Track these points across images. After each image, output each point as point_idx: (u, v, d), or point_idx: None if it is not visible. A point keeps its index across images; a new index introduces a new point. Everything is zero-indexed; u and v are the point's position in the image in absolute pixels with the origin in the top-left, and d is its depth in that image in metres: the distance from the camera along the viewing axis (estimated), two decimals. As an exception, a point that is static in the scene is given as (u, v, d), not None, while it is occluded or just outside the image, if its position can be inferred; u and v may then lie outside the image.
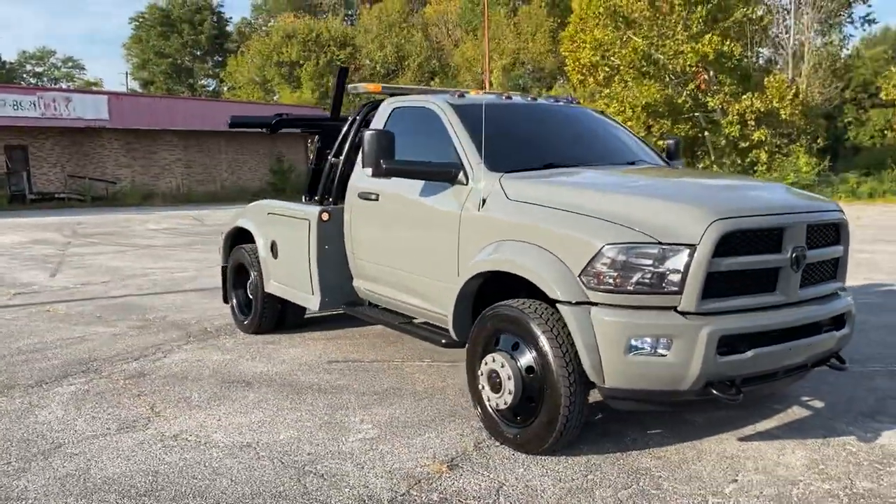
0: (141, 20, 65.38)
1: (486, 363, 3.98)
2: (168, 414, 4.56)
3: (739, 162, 37.16)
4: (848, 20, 44.08)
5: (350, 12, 70.53)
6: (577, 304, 3.58)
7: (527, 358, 3.79)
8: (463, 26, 57.62)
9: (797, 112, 35.28)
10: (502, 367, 3.86)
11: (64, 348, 6.19)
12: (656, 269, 3.48)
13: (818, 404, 4.68)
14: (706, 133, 37.97)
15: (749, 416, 4.45)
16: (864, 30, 71.88)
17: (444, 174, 4.47)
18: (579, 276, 3.60)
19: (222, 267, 6.96)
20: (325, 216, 5.48)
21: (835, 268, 4.14)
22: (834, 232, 4.06)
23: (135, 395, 4.94)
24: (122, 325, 7.07)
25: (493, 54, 52.46)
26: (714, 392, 3.54)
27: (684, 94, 37.26)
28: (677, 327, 3.46)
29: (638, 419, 4.37)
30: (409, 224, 4.86)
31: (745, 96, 35.29)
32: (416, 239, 4.79)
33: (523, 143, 4.78)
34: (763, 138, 35.70)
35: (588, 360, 3.54)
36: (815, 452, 3.91)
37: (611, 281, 3.52)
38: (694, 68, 37.08)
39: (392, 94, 5.58)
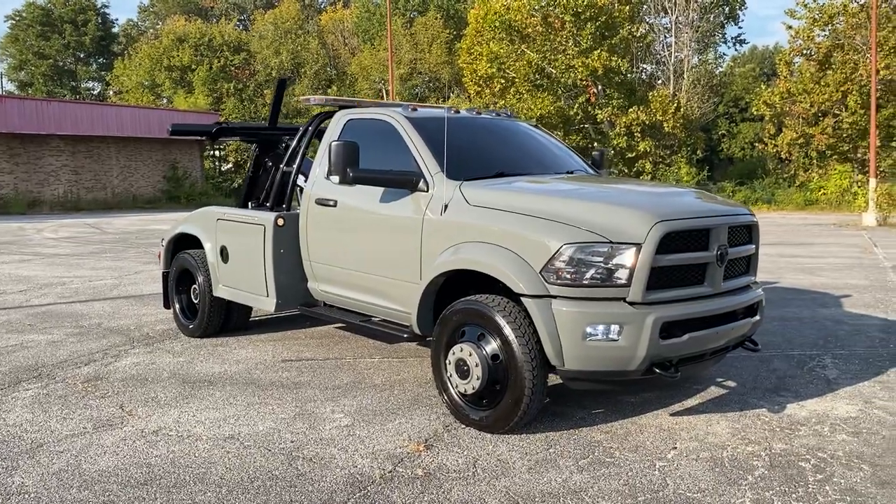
0: (18, 18, 61.80)
1: (453, 353, 4.38)
2: (140, 413, 4.70)
3: (627, 171, 39.20)
4: (721, 40, 47.40)
5: (243, 17, 69.30)
6: (539, 297, 4.05)
7: (492, 346, 4.23)
8: (359, 35, 57.82)
9: (678, 125, 37.61)
10: (470, 355, 4.27)
11: (5, 356, 6.13)
12: (607, 265, 3.99)
13: (731, 384, 5.36)
14: (596, 144, 39.78)
15: (675, 396, 5.06)
16: (736, 49, 77.10)
17: (405, 182, 4.86)
18: (540, 272, 4.07)
19: (163, 273, 7.04)
20: (281, 222, 5.74)
21: (748, 263, 4.81)
22: (748, 232, 4.72)
23: (99, 396, 5.04)
24: (58, 333, 7.02)
25: (389, 64, 52.83)
26: (657, 371, 4.09)
27: (575, 106, 38.95)
28: (627, 315, 3.98)
29: (580, 402, 4.88)
30: (368, 229, 5.21)
31: (631, 110, 37.29)
32: (375, 242, 5.14)
33: (476, 153, 5.24)
34: (648, 149, 37.83)
35: (550, 347, 4.01)
36: (736, 422, 4.54)
37: (568, 276, 4.01)
38: (584, 82, 38.86)
39: (343, 107, 5.90)
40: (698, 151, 39.91)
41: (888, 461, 3.93)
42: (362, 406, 4.79)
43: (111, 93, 61.97)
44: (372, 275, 5.19)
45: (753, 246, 4.77)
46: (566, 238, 4.03)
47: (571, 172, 5.47)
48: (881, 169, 30.87)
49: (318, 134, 5.97)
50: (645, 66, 44.87)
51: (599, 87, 39.47)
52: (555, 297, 4.05)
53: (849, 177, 31.51)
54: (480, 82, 40.77)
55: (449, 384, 4.46)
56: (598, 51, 36.68)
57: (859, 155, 31.85)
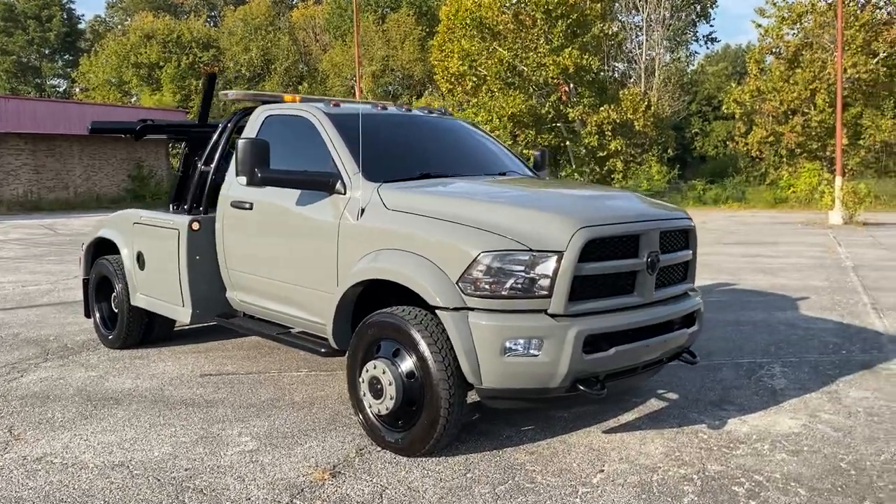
0: (-21, 14, 60.42)
1: (367, 370, 4.05)
2: (29, 437, 4.32)
3: (598, 170, 39.15)
4: (693, 38, 47.52)
5: (213, 14, 68.38)
6: (456, 309, 3.73)
7: (407, 364, 3.90)
8: (331, 31, 57.28)
9: (649, 123, 37.58)
10: (383, 373, 3.94)
11: None
12: (528, 275, 3.68)
13: (672, 396, 5.08)
14: (568, 143, 39.68)
15: (611, 410, 4.77)
16: (708, 48, 77.62)
17: (321, 183, 4.51)
18: (457, 282, 3.75)
19: (84, 280, 6.63)
20: (196, 226, 5.37)
21: (685, 270, 4.52)
22: (684, 237, 4.44)
23: (-11, 418, 4.65)
24: (-31, 345, 6.58)
25: (362, 60, 52.38)
26: (581, 388, 3.78)
27: (547, 105, 38.78)
28: (547, 329, 3.67)
29: (510, 417, 4.57)
30: (285, 234, 4.86)
31: (602, 108, 37.19)
32: (292, 248, 4.79)
33: (399, 153, 4.90)
34: (619, 148, 37.78)
35: (466, 363, 3.69)
36: (672, 441, 4.25)
37: (486, 287, 3.69)
38: (555, 80, 38.71)
39: (265, 102, 5.54)
40: (669, 150, 39.94)
41: (826, 484, 3.66)
42: (274, 427, 4.44)
43: (77, 90, 60.82)
44: (289, 284, 4.85)
45: (690, 252, 4.48)
46: (484, 245, 3.71)
47: (504, 174, 5.16)
48: (849, 167, 31.09)
49: (240, 131, 5.60)
50: (617, 64, 44.88)
51: (571, 86, 39.34)
52: (472, 309, 3.73)
53: (818, 175, 31.60)
54: (452, 80, 40.49)
55: (363, 403, 4.12)
56: (570, 49, 36.53)
57: (828, 153, 31.99)
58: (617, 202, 4.34)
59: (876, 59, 31.07)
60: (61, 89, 64.74)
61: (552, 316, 3.71)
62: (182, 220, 5.42)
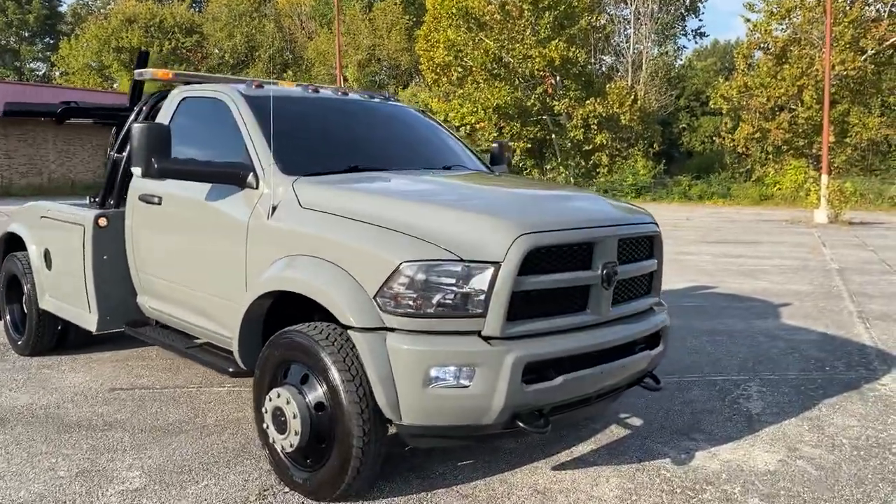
0: (-45, -6, 59.07)
1: (270, 398, 3.44)
2: None
3: (583, 164, 38.64)
4: (682, 32, 46.99)
5: (197, -2, 67.18)
6: (372, 330, 3.14)
7: (317, 393, 3.30)
8: (317, 19, 56.39)
9: (635, 118, 37.06)
10: (288, 403, 3.34)
11: None
12: (458, 290, 3.10)
13: (636, 422, 4.51)
14: (553, 136, 39.15)
15: (565, 439, 4.20)
16: (696, 42, 77.28)
17: (229, 176, 3.90)
18: (374, 297, 3.16)
19: (-7, 278, 5.99)
20: (103, 221, 4.74)
21: (649, 282, 3.94)
22: (647, 245, 3.86)
23: None
24: None
25: (348, 49, 51.65)
26: (520, 425, 3.21)
27: (533, 97, 38.20)
28: (480, 355, 3.09)
29: (447, 453, 3.99)
30: (193, 233, 4.25)
31: (588, 101, 36.64)
32: (200, 250, 4.19)
33: (325, 142, 4.29)
34: (605, 142, 37.25)
35: (383, 395, 3.10)
36: (630, 480, 3.68)
37: (409, 303, 3.10)
38: (542, 72, 38.12)
39: (188, 83, 4.92)
40: (655, 145, 39.45)
41: (805, 543, 3.10)
42: (171, 458, 3.84)
43: (57, 74, 59.63)
44: (197, 291, 4.24)
45: (655, 261, 3.91)
46: (406, 254, 3.12)
47: (450, 168, 4.55)
48: (835, 165, 30.70)
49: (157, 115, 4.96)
50: (605, 57, 44.30)
51: (557, 78, 38.76)
52: (391, 329, 3.13)
53: (804, 172, 31.20)
54: (437, 70, 39.80)
55: (268, 437, 3.52)
56: (556, 41, 35.94)
57: (814, 150, 31.57)
58: (569, 204, 3.73)
59: (864, 56, 30.67)
60: (41, 73, 63.48)
61: (486, 339, 3.12)
62: (88, 215, 4.79)
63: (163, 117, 4.66)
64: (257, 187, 3.84)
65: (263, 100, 4.19)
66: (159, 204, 4.44)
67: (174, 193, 4.35)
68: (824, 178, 21.32)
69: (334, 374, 3.19)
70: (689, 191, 34.57)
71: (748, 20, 34.29)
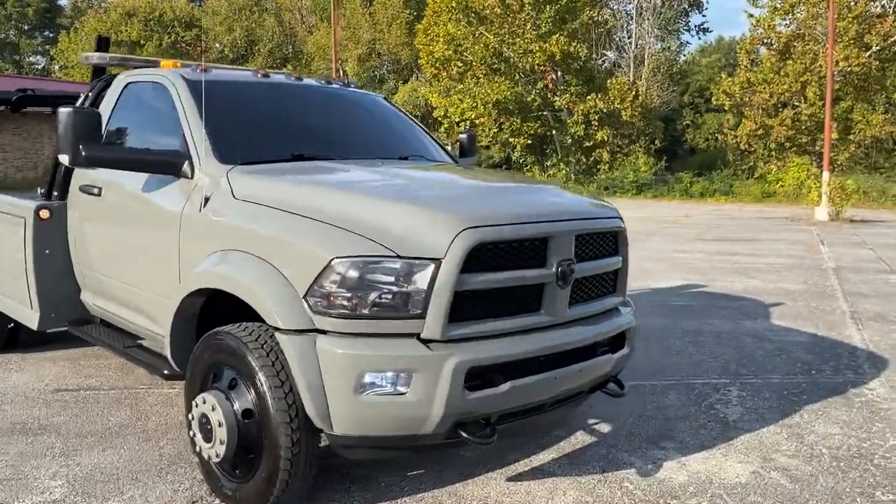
0: (-45, -13, 58.86)
1: (196, 405, 3.20)
2: None
3: (584, 160, 38.33)
4: (685, 28, 46.56)
5: (198, -8, 66.90)
6: (300, 332, 2.88)
7: (245, 399, 3.05)
8: (317, 13, 56.12)
9: (637, 114, 36.73)
10: (213, 410, 3.09)
11: None
12: (395, 289, 2.84)
13: (603, 428, 4.26)
14: (554, 132, 38.85)
15: (525, 446, 3.95)
16: (700, 38, 76.86)
17: (162, 165, 3.65)
18: (305, 296, 2.90)
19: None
20: (45, 214, 4.50)
21: (614, 281, 3.68)
22: (611, 241, 3.59)
23: None
24: None
25: (348, 44, 51.41)
26: (463, 435, 2.95)
27: (533, 92, 37.91)
28: (417, 359, 2.84)
29: (397, 461, 3.74)
30: (131, 225, 4.02)
31: (589, 97, 36.32)
32: (138, 244, 3.95)
33: (270, 129, 4.03)
34: (605, 138, 36.94)
35: (311, 403, 2.85)
36: (589, 493, 3.43)
37: (341, 303, 2.85)
38: (542, 67, 37.81)
39: (136, 68, 4.66)
40: (657, 141, 39.09)
41: (770, 566, 2.85)
42: (100, 466, 3.59)
43: (56, 67, 59.44)
44: (134, 286, 4.00)
45: (619, 258, 3.64)
46: (339, 249, 2.87)
47: (406, 158, 4.29)
48: (838, 162, 30.36)
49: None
50: (608, 53, 43.92)
51: (558, 74, 38.44)
52: (322, 332, 2.88)
53: (806, 169, 30.85)
54: (437, 65, 39.51)
55: (195, 445, 3.27)
56: (558, 35, 35.61)
57: (817, 148, 31.18)
58: (522, 196, 3.47)
59: (868, 53, 30.28)
60: (40, 66, 63.30)
61: (426, 342, 2.87)
62: (28, 206, 4.55)
63: (107, 103, 4.42)
64: (192, 177, 3.59)
65: (206, 85, 3.93)
66: (99, 195, 4.20)
67: (113, 184, 4.10)
68: (825, 174, 20.99)
69: (261, 380, 2.94)
70: (691, 188, 34.22)
71: (751, 15, 33.90)
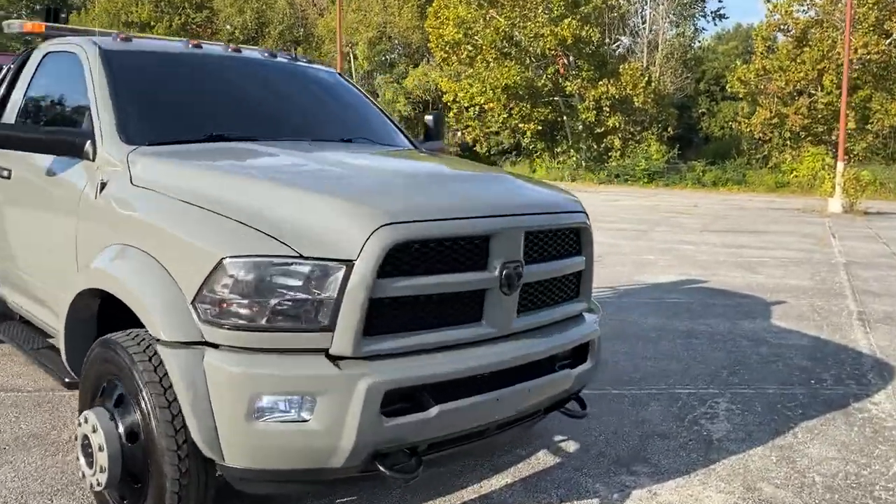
0: (-34, -34, 58.61)
1: (79, 424, 2.77)
2: None
3: (595, 147, 37.67)
4: (701, 13, 45.56)
5: (209, -27, 66.39)
6: (185, 345, 2.44)
7: (131, 419, 2.62)
8: (329, -5, 55.51)
9: (649, 100, 35.99)
10: (94, 431, 2.66)
11: None
12: (297, 296, 2.39)
13: (570, 446, 3.80)
14: (565, 118, 38.21)
15: (477, 468, 3.50)
16: (716, 24, 75.61)
17: (62, 144, 3.21)
18: (193, 302, 2.46)
19: None
20: (-46, 198, 4.06)
21: (576, 285, 3.21)
22: (572, 239, 3.11)
23: None
24: None
25: (358, 27, 50.85)
26: (380, 468, 2.50)
27: (544, 77, 37.27)
28: (323, 380, 2.39)
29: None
30: (35, 211, 3.60)
31: (601, 83, 35.62)
32: (43, 234, 3.53)
33: (188, 106, 3.57)
34: (617, 125, 36.27)
35: (198, 428, 2.41)
36: (539, 529, 2.98)
37: (235, 312, 2.40)
38: (553, 52, 37.13)
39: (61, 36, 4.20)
40: (670, 129, 38.29)
41: None
42: (-12, 485, 3.18)
43: (66, 48, 59.21)
44: (42, 281, 3.58)
45: (582, 259, 3.16)
46: (231, 247, 2.42)
47: (350, 141, 3.81)
48: (855, 152, 29.57)
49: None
50: (621, 38, 43.07)
51: (570, 58, 37.73)
52: (212, 345, 2.44)
53: (822, 159, 30.07)
54: (447, 48, 38.88)
55: (80, 469, 2.84)
56: (569, 19, 34.90)
57: (833, 137, 30.37)
58: (460, 186, 2.97)
59: (889, 40, 29.39)
60: (51, 47, 63.09)
61: (335, 359, 2.42)
62: (-61, 192, 4.12)
63: (25, 76, 3.98)
64: (94, 159, 3.14)
65: (121, 55, 3.50)
66: (8, 178, 3.77)
67: (23, 165, 3.67)
68: (839, 165, 20.32)
69: (146, 398, 2.51)
70: (703, 177, 33.53)
71: (768, 0, 33.00)
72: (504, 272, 2.69)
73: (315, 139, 3.66)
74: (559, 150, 38.90)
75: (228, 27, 55.51)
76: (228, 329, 2.40)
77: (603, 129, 36.88)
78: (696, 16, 44.88)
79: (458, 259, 2.61)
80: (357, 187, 2.71)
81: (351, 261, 2.38)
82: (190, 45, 3.93)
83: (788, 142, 33.55)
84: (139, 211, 2.80)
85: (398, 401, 2.50)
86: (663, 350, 5.62)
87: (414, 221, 2.49)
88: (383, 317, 2.48)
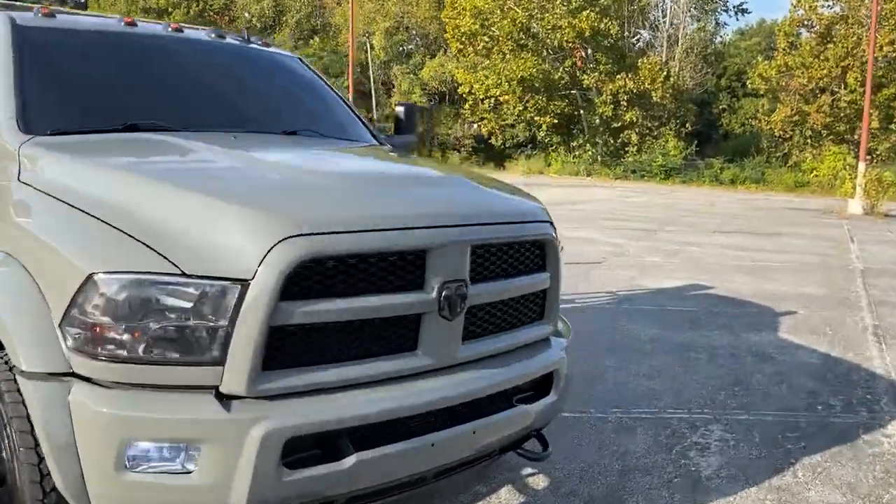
0: (-14, -50, 58.80)
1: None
2: None
3: (612, 142, 37.06)
4: (723, 8, 44.65)
5: (227, -40, 66.19)
6: (49, 376, 2.04)
7: (-1, 458, 2.23)
8: (346, -16, 55.12)
9: (668, 95, 35.33)
10: (-50, 472, 2.27)
11: None
12: (180, 322, 1.98)
13: (539, 482, 3.37)
14: (581, 111, 37.63)
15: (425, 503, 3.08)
16: (738, 19, 74.40)
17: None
18: (61, 325, 2.05)
19: None
20: None
21: (540, 305, 2.77)
22: (534, 253, 2.68)
23: None
24: None
25: (375, 16, 50.48)
26: (283, 529, 2.09)
27: (561, 69, 36.70)
28: (208, 425, 1.98)
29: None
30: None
31: (619, 76, 35.01)
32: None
33: (103, 90, 3.14)
34: (634, 119, 35.66)
35: (60, 476, 2.02)
36: (486, 590, 2.56)
37: (106, 338, 2.00)
38: (571, 44, 36.54)
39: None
40: (688, 124, 37.56)
41: None
42: None
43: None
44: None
45: (547, 275, 2.72)
46: (102, 261, 2.01)
47: (294, 133, 3.38)
48: (878, 152, 28.78)
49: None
50: (641, 31, 42.31)
51: (588, 51, 37.11)
52: (83, 378, 2.03)
53: (843, 159, 29.29)
54: (463, 39, 38.36)
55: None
56: (588, 11, 34.28)
57: (856, 137, 29.58)
58: (402, 190, 2.50)
59: (916, 37, 28.54)
60: (68, 32, 63.27)
61: (226, 399, 2.01)
62: None
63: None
64: (-14, 150, 2.74)
65: (35, 32, 3.10)
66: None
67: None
68: (861, 165, 19.65)
69: (10, 436, 2.11)
70: (721, 174, 32.85)
71: (792, -5, 32.23)
72: (444, 293, 2.26)
73: (253, 131, 3.24)
74: (575, 144, 38.29)
75: (246, 15, 55.34)
76: (99, 359, 2.00)
77: (620, 123, 36.29)
78: (718, 10, 44.03)
79: (386, 278, 2.19)
80: (264, 191, 2.27)
81: (246, 280, 1.96)
82: (123, 24, 3.50)
83: (809, 140, 32.82)
84: (19, 212, 2.40)
85: (308, 448, 2.09)
86: (657, 365, 5.17)
87: (328, 233, 2.07)
88: (288, 347, 2.06)
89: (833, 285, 8.62)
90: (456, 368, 2.40)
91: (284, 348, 2.06)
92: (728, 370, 5.16)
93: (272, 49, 4.06)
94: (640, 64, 35.65)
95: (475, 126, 43.01)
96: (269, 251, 1.97)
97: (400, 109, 4.19)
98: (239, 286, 1.97)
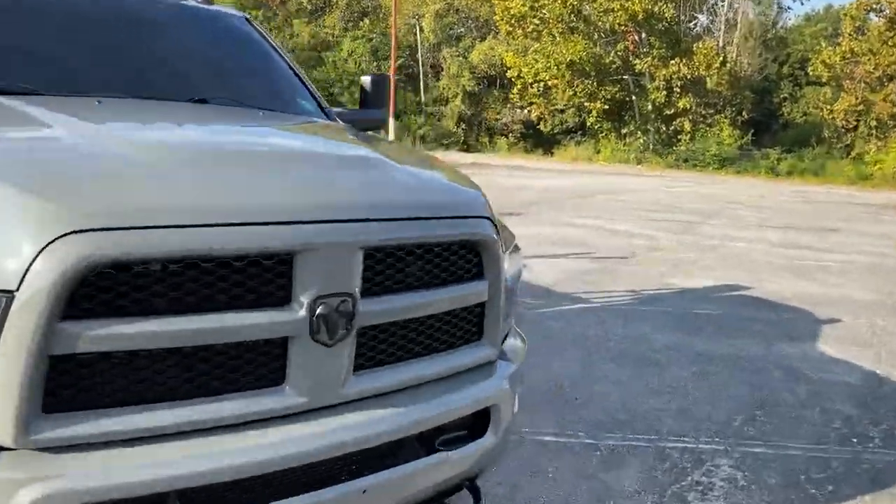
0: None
1: None
2: None
3: (664, 129, 35.86)
4: (786, -9, 42.74)
5: (278, -58, 66.30)
6: None
7: None
8: (397, -35, 54.61)
9: (724, 81, 33.94)
10: None
11: None
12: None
13: (493, 532, 2.79)
14: (633, 97, 36.49)
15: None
16: (803, 3, 71.54)
17: None
18: None
19: None
20: None
21: (477, 322, 2.17)
22: (466, 257, 2.08)
23: None
24: None
25: (426, -2, 50.01)
26: None
27: (612, 53, 35.62)
28: (-40, 485, 1.45)
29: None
30: None
31: (672, 61, 33.78)
32: None
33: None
34: (688, 106, 34.41)
35: None
36: None
37: None
38: (623, 27, 35.41)
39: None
40: (744, 112, 36.04)
41: None
42: None
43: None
44: None
45: (485, 284, 2.11)
46: None
47: (205, 101, 2.82)
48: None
49: None
50: (699, 16, 40.74)
51: (641, 35, 35.89)
52: None
53: (911, 151, 27.72)
54: (513, 21, 37.47)
55: None
56: (642, -8, 33.11)
57: (925, 127, 27.97)
58: (274, 173, 1.84)
59: None
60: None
61: (-6, 449, 1.48)
62: None
63: None
64: None
65: None
66: None
67: None
68: (929, 158, 18.31)
69: None
70: (778, 165, 31.41)
71: (861, -24, 30.49)
72: (317, 311, 1.69)
73: (148, 97, 2.69)
74: (626, 131, 37.17)
75: (295, -4, 55.28)
76: None
77: (673, 110, 35.07)
78: (781, -7, 42.18)
79: (232, 290, 1.63)
80: (67, 172, 1.72)
81: (9, 291, 1.43)
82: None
83: (874, 131, 31.12)
84: None
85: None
86: (669, 380, 4.53)
87: (138, 228, 1.51)
88: (84, 383, 1.52)
89: (886, 290, 7.78)
90: (342, 408, 1.84)
91: (77, 384, 1.52)
92: (751, 388, 4.48)
93: (213, 7, 3.51)
94: (695, 49, 34.28)
95: (525, 111, 42.09)
96: (40, 251, 1.43)
97: (366, 80, 3.62)
98: (3, 300, 1.43)
